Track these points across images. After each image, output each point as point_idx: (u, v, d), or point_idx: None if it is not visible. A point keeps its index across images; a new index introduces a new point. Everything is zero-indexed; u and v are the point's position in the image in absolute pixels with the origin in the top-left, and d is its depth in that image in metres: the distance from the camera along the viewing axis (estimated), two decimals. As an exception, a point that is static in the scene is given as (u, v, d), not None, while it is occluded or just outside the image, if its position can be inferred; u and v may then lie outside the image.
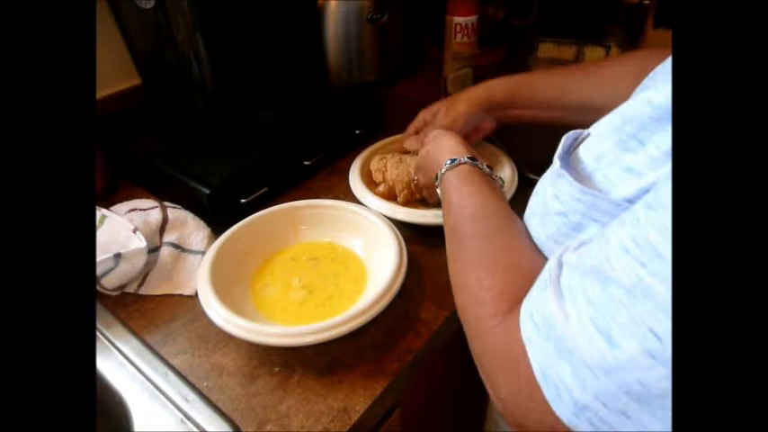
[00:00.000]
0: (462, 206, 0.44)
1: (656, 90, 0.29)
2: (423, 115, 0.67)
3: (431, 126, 0.65)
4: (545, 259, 0.36)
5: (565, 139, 0.37)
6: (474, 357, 0.36)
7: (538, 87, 0.60)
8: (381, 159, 0.68)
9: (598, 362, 0.24)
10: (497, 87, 0.62)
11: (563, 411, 0.26)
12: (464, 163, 0.47)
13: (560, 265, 0.30)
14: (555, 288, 0.28)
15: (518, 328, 0.30)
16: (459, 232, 0.42)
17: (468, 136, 0.64)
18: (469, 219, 0.42)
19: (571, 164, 0.35)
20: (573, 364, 0.26)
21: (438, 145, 0.52)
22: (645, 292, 0.23)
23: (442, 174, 0.48)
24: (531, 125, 0.62)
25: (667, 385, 0.22)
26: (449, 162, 0.48)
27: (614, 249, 0.25)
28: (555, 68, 0.62)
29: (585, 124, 0.37)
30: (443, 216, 0.47)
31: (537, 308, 0.29)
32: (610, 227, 0.28)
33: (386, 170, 0.66)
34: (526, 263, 0.36)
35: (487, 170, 0.48)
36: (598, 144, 0.34)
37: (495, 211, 0.42)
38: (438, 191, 0.49)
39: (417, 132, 0.67)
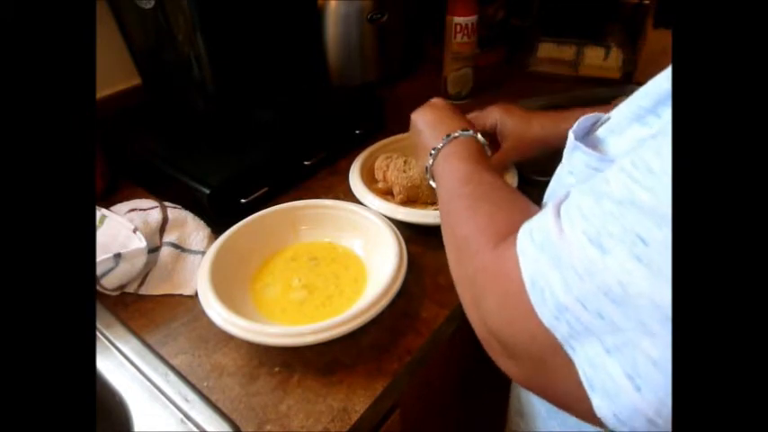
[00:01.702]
0: (453, 170, 0.45)
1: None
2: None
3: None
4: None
5: (582, 120, 0.37)
6: (461, 281, 0.37)
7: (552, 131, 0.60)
8: (387, 158, 0.68)
9: (587, 266, 0.25)
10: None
11: (545, 314, 0.27)
12: (458, 136, 0.48)
13: (567, 194, 0.31)
14: (555, 208, 0.29)
15: (513, 246, 0.30)
16: (453, 192, 0.43)
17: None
18: (461, 181, 0.43)
19: (589, 143, 0.36)
20: (562, 269, 0.26)
21: (440, 123, 0.52)
22: (633, 202, 0.24)
23: (438, 150, 0.49)
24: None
25: (645, 284, 0.22)
26: (444, 138, 0.49)
27: (613, 170, 0.26)
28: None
29: None
30: (437, 188, 0.47)
31: (537, 225, 0.30)
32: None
33: (387, 170, 0.66)
34: (521, 212, 0.36)
35: (482, 140, 0.49)
36: (616, 121, 0.34)
37: (487, 176, 0.43)
38: (429, 162, 0.49)
39: None
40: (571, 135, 0.36)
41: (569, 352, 0.26)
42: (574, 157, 0.35)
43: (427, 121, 0.54)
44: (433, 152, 0.49)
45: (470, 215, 0.39)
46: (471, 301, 0.35)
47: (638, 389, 0.23)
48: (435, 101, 0.58)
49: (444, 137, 0.49)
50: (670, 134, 0.23)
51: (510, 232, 0.33)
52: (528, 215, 0.33)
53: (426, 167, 0.50)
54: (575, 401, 0.26)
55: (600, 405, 0.25)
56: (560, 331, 0.26)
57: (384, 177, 0.66)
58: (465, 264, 0.36)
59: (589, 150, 0.34)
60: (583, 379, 0.26)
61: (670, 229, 0.22)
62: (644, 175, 0.24)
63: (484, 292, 0.32)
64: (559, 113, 0.61)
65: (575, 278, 0.25)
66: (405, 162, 0.66)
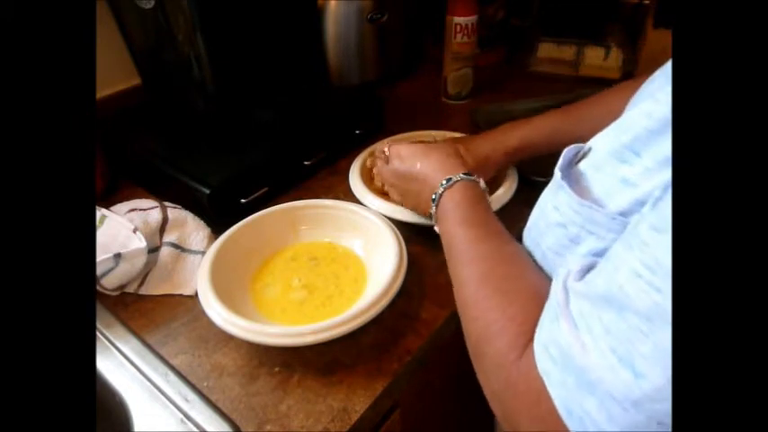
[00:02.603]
0: (459, 235, 0.42)
1: (655, 101, 0.29)
2: None
3: None
4: (548, 280, 0.35)
5: (566, 152, 0.36)
6: (488, 394, 0.34)
7: (551, 135, 0.59)
8: (372, 157, 0.67)
9: (625, 393, 0.24)
10: (509, 143, 0.60)
11: None
12: (460, 180, 0.46)
13: (566, 290, 0.29)
14: (567, 317, 0.28)
15: (534, 362, 0.29)
16: (465, 256, 0.40)
17: None
18: (481, 241, 0.41)
19: (573, 177, 0.35)
20: (598, 396, 0.25)
21: (427, 159, 0.50)
22: (663, 317, 0.22)
23: (440, 195, 0.46)
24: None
25: None
26: (445, 182, 0.46)
27: (625, 275, 0.25)
28: (553, 112, 0.60)
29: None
30: (442, 237, 0.46)
31: (551, 339, 0.28)
32: (614, 251, 0.27)
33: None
34: (542, 289, 0.35)
35: (483, 185, 0.47)
36: (597, 156, 0.34)
37: (500, 235, 0.41)
38: (432, 209, 0.48)
39: None
40: (557, 172, 0.35)
41: None
42: (559, 194, 0.34)
43: (420, 165, 0.51)
44: (434, 197, 0.47)
45: (497, 292, 0.36)
46: (502, 416, 0.33)
47: None
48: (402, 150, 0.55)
49: (444, 180, 0.46)
50: (669, 224, 0.22)
51: (529, 330, 0.31)
52: (542, 294, 0.32)
53: (431, 214, 0.48)
54: None
55: None
56: None
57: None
58: (489, 369, 0.34)
59: (571, 192, 0.33)
60: None
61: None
62: (665, 283, 0.22)
63: (516, 414, 0.31)
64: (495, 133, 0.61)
65: (615, 407, 0.24)
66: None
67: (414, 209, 0.56)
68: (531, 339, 0.31)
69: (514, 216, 0.66)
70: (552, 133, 0.58)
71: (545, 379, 0.28)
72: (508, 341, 0.32)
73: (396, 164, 0.55)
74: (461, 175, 0.46)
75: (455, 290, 0.41)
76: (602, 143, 0.34)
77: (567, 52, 1.02)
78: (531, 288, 0.35)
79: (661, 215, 0.24)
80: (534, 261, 0.39)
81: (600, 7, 1.03)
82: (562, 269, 0.31)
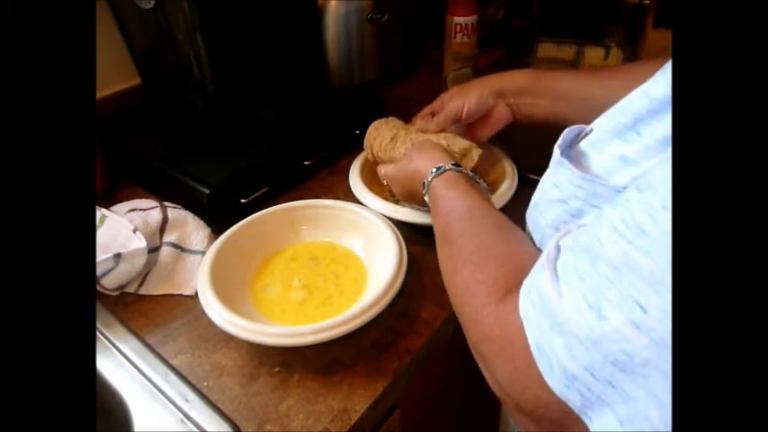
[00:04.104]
0: (450, 209, 0.44)
1: (654, 82, 0.30)
2: (442, 97, 0.66)
3: (445, 109, 0.63)
4: (537, 251, 0.37)
5: (566, 133, 0.37)
6: (471, 347, 0.36)
7: (561, 78, 0.59)
8: (376, 129, 0.66)
9: (587, 333, 0.25)
10: (517, 74, 0.61)
11: (555, 383, 0.27)
12: (449, 170, 0.48)
13: (558, 248, 0.30)
14: (551, 269, 0.29)
15: (514, 310, 0.31)
16: (449, 234, 0.43)
17: (480, 126, 0.63)
18: (457, 220, 0.43)
19: (574, 156, 0.36)
20: (564, 336, 0.26)
21: (420, 155, 0.53)
22: (630, 266, 0.24)
23: (429, 182, 0.49)
24: (542, 122, 0.61)
25: (649, 354, 0.23)
26: (434, 170, 0.48)
27: (604, 229, 0.26)
28: (580, 69, 0.61)
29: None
30: (433, 221, 0.47)
31: (534, 286, 0.30)
32: (603, 210, 0.28)
33: (374, 142, 0.65)
34: (517, 255, 0.37)
35: (471, 174, 0.49)
36: (597, 135, 0.35)
37: (482, 211, 0.43)
38: (426, 198, 0.50)
39: (433, 115, 0.65)
40: (556, 149, 0.36)
41: (586, 422, 0.26)
42: (559, 171, 0.35)
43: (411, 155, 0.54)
44: (426, 183, 0.49)
45: (470, 262, 0.38)
46: (483, 367, 0.34)
47: None
48: None
49: (434, 168, 0.49)
50: (658, 189, 0.23)
51: (509, 286, 0.33)
52: (525, 263, 0.33)
53: (424, 183, 0.49)
54: None
55: None
56: (573, 401, 0.26)
57: (371, 148, 0.65)
58: (468, 325, 0.36)
59: (572, 167, 0.33)
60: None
61: (669, 295, 0.21)
62: (637, 236, 0.24)
63: (493, 362, 0.32)
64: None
65: (578, 346, 0.25)
66: (391, 139, 0.64)
67: (412, 201, 0.58)
68: (504, 295, 0.33)
69: (514, 216, 0.66)
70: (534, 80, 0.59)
71: (524, 320, 0.29)
72: (481, 299, 0.35)
73: (390, 167, 0.58)
74: (450, 165, 0.49)
75: (441, 266, 0.43)
76: (603, 123, 0.35)
77: (567, 52, 1.02)
78: (504, 253, 0.37)
79: (647, 177, 0.25)
80: (533, 242, 0.40)
81: (600, 7, 1.03)
82: (561, 231, 0.32)
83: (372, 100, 0.84)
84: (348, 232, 0.60)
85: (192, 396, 0.45)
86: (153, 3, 0.60)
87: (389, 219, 0.59)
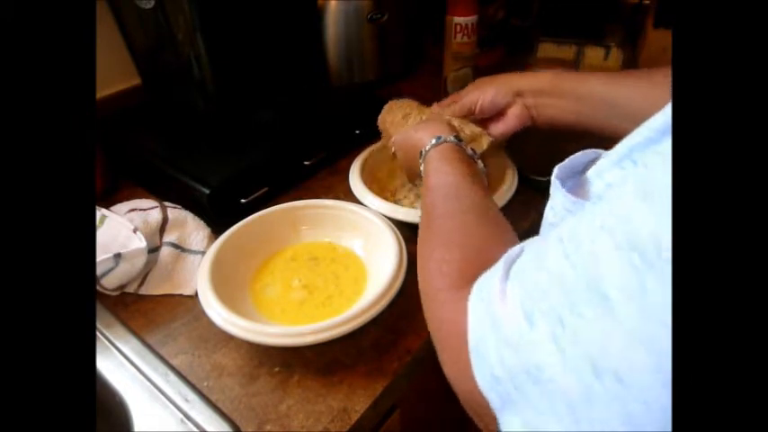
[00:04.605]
0: (439, 185, 0.44)
1: (662, 113, 0.29)
2: (466, 89, 0.64)
3: (461, 100, 0.62)
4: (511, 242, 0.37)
5: (581, 155, 0.36)
6: (427, 321, 0.37)
7: (585, 79, 0.56)
8: (388, 112, 0.65)
9: (516, 339, 0.25)
10: (540, 74, 0.59)
11: (482, 382, 0.27)
12: (449, 141, 0.48)
13: (521, 250, 0.31)
14: (505, 269, 0.29)
15: (466, 299, 0.31)
16: (433, 212, 0.42)
17: (494, 124, 0.61)
18: (443, 198, 0.42)
19: (579, 182, 0.35)
20: (498, 337, 0.26)
21: (426, 126, 0.53)
22: (562, 280, 0.23)
23: (427, 151, 0.48)
24: (565, 127, 0.58)
25: (555, 371, 0.22)
26: (434, 140, 0.48)
27: (552, 238, 0.26)
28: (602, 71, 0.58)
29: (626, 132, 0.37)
30: (422, 196, 0.46)
31: (486, 283, 0.30)
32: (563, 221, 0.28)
33: (387, 121, 0.64)
34: (491, 249, 0.36)
35: (470, 152, 0.48)
36: (602, 163, 0.34)
37: (471, 194, 0.42)
38: (421, 168, 0.49)
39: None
40: (555, 170, 0.35)
41: (499, 420, 0.27)
42: (555, 195, 0.35)
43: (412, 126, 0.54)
44: (423, 152, 0.49)
45: (438, 244, 0.39)
46: (436, 348, 0.35)
47: None
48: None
49: (434, 138, 0.48)
50: (604, 207, 0.23)
51: (473, 276, 0.32)
52: (496, 258, 0.32)
53: (422, 152, 0.49)
54: None
55: None
56: (493, 400, 0.27)
57: (384, 128, 0.64)
58: (426, 305, 0.37)
59: (564, 192, 0.33)
60: (495, 414, 0.26)
61: (584, 317, 0.21)
62: (574, 250, 0.23)
63: (440, 346, 0.33)
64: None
65: (507, 349, 0.25)
66: (403, 116, 0.64)
67: (412, 176, 0.57)
68: (464, 285, 0.32)
69: (514, 216, 0.66)
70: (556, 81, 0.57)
71: (470, 315, 0.29)
72: (443, 282, 0.35)
73: (399, 134, 0.58)
74: (452, 138, 0.48)
75: (418, 242, 0.43)
76: (611, 152, 0.34)
77: (567, 52, 1.02)
78: (478, 245, 0.37)
79: (607, 193, 0.25)
80: None
81: (600, 7, 1.03)
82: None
83: (372, 100, 0.83)
84: (348, 232, 0.60)
85: (191, 396, 0.45)
86: (153, 3, 0.60)
87: (389, 219, 0.59)
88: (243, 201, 0.65)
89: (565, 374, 0.22)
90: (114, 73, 0.80)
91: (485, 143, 0.58)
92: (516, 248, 0.31)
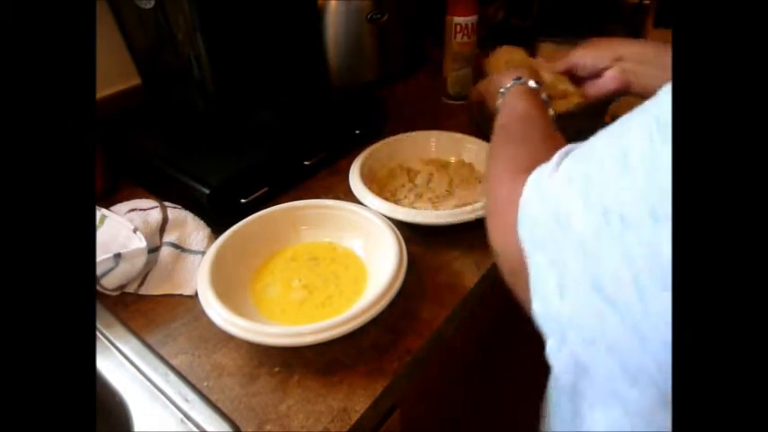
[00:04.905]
0: (515, 110, 0.50)
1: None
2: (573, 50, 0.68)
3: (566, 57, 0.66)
4: None
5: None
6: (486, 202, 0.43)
7: None
8: (514, 53, 0.69)
9: (555, 195, 0.29)
10: (646, 42, 0.63)
11: (522, 230, 0.31)
12: (527, 83, 0.54)
13: (576, 146, 0.33)
14: (558, 160, 0.32)
15: (523, 181, 0.34)
16: (506, 129, 0.48)
17: (589, 85, 0.63)
18: (516, 120, 0.49)
19: None
20: (542, 197, 0.30)
21: (510, 70, 0.58)
22: (599, 149, 0.27)
23: (508, 87, 0.54)
24: (650, 95, 0.61)
25: (577, 217, 0.26)
26: (514, 80, 0.55)
27: (603, 133, 0.28)
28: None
29: None
30: (495, 122, 0.51)
31: (542, 168, 0.33)
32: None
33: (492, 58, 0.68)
34: (549, 154, 0.39)
35: (544, 97, 0.53)
36: None
37: (538, 120, 0.48)
38: (498, 104, 0.55)
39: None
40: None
41: (529, 262, 0.30)
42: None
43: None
44: (502, 90, 0.55)
45: (506, 148, 0.44)
46: (488, 224, 0.39)
47: (562, 297, 0.26)
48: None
49: (514, 79, 0.55)
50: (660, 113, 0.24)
51: (531, 169, 0.35)
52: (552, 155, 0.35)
53: (497, 105, 0.55)
54: (529, 307, 0.30)
55: (536, 307, 0.29)
56: (528, 247, 0.31)
57: (486, 70, 0.68)
58: (490, 185, 0.42)
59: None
60: (530, 282, 0.30)
61: (607, 174, 0.25)
62: (617, 126, 0.27)
63: (494, 213, 0.38)
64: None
65: (547, 204, 0.29)
66: (505, 62, 0.67)
67: (484, 93, 0.63)
68: (525, 173, 0.35)
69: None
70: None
71: (525, 187, 0.33)
72: (507, 168, 0.40)
73: (486, 78, 0.64)
74: (532, 82, 0.54)
75: (488, 159, 0.47)
76: None
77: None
78: (543, 150, 0.40)
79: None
80: None
81: (600, 7, 1.03)
82: None
83: (372, 100, 0.84)
84: (348, 232, 0.60)
85: (192, 396, 0.45)
86: (153, 3, 0.60)
87: (389, 219, 0.59)
88: (243, 201, 0.65)
89: (583, 217, 0.25)
90: (114, 73, 0.80)
91: (575, 100, 0.61)
92: (571, 146, 0.33)
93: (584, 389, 0.26)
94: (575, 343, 0.26)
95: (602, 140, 0.28)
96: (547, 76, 0.60)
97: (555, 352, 0.27)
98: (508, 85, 0.54)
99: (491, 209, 0.40)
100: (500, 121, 0.50)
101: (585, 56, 0.62)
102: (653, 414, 0.23)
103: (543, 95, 0.53)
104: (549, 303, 0.27)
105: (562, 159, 0.31)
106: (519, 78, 0.54)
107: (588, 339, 0.25)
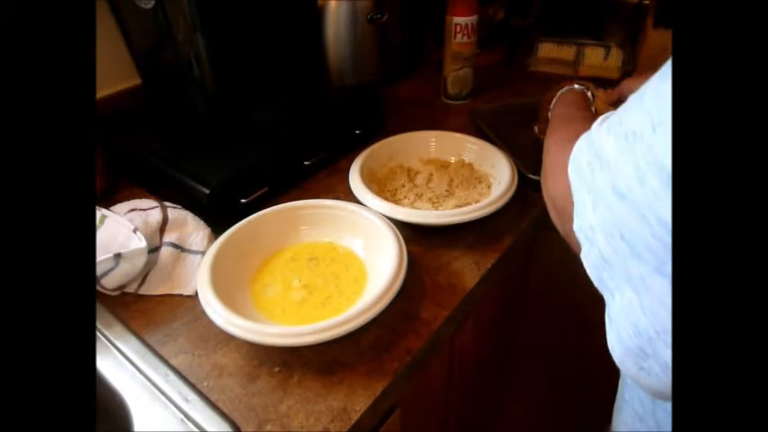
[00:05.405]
0: (565, 104, 0.58)
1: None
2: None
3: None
4: None
5: None
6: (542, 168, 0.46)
7: None
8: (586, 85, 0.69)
9: (598, 143, 0.32)
10: None
11: (572, 173, 0.35)
12: (573, 89, 0.62)
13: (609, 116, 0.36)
14: (607, 119, 0.35)
15: (572, 147, 0.37)
16: (561, 118, 0.53)
17: None
18: (564, 115, 0.54)
19: None
20: (590, 149, 0.33)
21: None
22: (634, 106, 0.29)
23: (555, 97, 0.62)
24: None
25: (609, 152, 0.30)
26: (562, 90, 0.62)
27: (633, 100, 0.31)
28: None
29: None
30: (550, 117, 0.58)
31: (591, 129, 0.36)
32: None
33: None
34: None
35: (589, 96, 0.61)
36: None
37: (586, 114, 0.53)
38: (553, 102, 0.62)
39: None
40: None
41: (574, 196, 0.35)
42: None
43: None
44: (552, 100, 0.62)
45: (560, 127, 0.49)
46: (543, 183, 0.44)
47: (594, 211, 0.31)
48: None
49: (563, 89, 0.62)
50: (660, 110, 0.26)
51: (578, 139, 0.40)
52: None
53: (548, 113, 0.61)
54: (572, 234, 0.35)
55: (576, 222, 0.34)
56: (575, 186, 0.35)
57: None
58: (545, 155, 0.45)
59: None
60: (574, 210, 0.34)
61: (631, 115, 0.29)
62: (654, 108, 0.28)
63: (548, 172, 0.42)
64: None
65: (592, 149, 0.33)
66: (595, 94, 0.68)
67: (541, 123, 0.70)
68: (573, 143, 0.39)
69: (514, 215, 0.66)
70: None
71: (577, 142, 0.36)
72: (559, 141, 0.43)
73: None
74: (577, 85, 0.62)
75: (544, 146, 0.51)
76: None
77: (567, 52, 1.02)
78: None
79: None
80: None
81: (600, 7, 1.03)
82: None
83: (372, 100, 0.84)
84: (348, 232, 0.60)
85: (192, 396, 0.45)
86: (153, 3, 0.60)
87: (389, 219, 0.59)
88: (243, 201, 0.65)
89: (612, 145, 0.30)
90: (114, 73, 0.80)
91: None
92: (611, 112, 0.35)
93: (607, 280, 0.31)
94: (600, 240, 0.31)
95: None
96: (602, 106, 0.65)
97: (587, 254, 0.33)
98: (557, 94, 0.62)
99: (547, 168, 0.44)
100: (555, 112, 0.58)
101: (632, 85, 0.67)
102: (652, 281, 0.27)
103: (588, 94, 0.62)
104: (584, 216, 0.33)
105: (603, 121, 0.35)
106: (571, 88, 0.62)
107: (609, 233, 0.30)
